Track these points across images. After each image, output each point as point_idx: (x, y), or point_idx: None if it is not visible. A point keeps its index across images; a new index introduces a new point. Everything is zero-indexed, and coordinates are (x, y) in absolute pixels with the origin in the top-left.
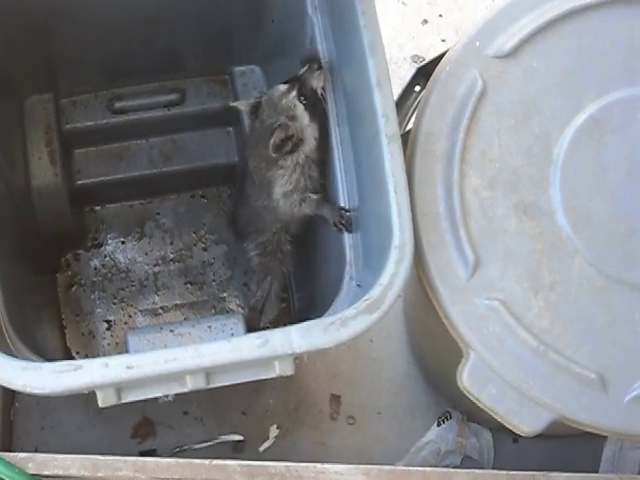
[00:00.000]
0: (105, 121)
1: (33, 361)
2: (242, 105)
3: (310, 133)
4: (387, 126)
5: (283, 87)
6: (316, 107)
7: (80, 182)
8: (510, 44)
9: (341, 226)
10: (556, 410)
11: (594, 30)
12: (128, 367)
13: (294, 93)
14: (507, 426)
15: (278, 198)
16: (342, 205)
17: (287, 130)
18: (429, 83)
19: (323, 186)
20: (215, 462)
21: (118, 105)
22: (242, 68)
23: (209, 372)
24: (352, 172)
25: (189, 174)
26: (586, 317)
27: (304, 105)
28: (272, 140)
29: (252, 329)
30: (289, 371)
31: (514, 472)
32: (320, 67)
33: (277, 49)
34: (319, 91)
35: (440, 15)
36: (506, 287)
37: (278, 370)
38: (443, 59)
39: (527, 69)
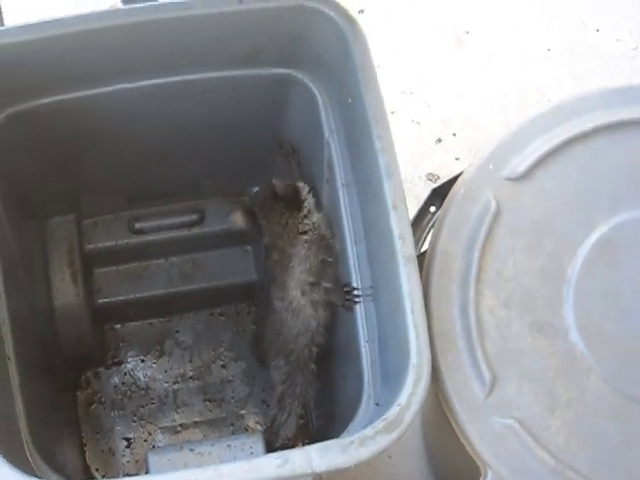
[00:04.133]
0: (125, 241)
1: None
2: (236, 217)
3: (310, 202)
4: (403, 247)
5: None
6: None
7: (101, 301)
8: (522, 167)
9: (347, 302)
10: None
11: (603, 152)
12: None
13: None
14: None
15: (295, 286)
16: (347, 283)
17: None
18: (444, 204)
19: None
20: None
21: (138, 226)
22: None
23: None
24: (369, 298)
25: (208, 292)
26: (602, 435)
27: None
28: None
29: (271, 447)
30: None
31: None
32: (297, 166)
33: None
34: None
35: (454, 134)
36: (523, 405)
37: None
38: (458, 181)
39: (539, 190)
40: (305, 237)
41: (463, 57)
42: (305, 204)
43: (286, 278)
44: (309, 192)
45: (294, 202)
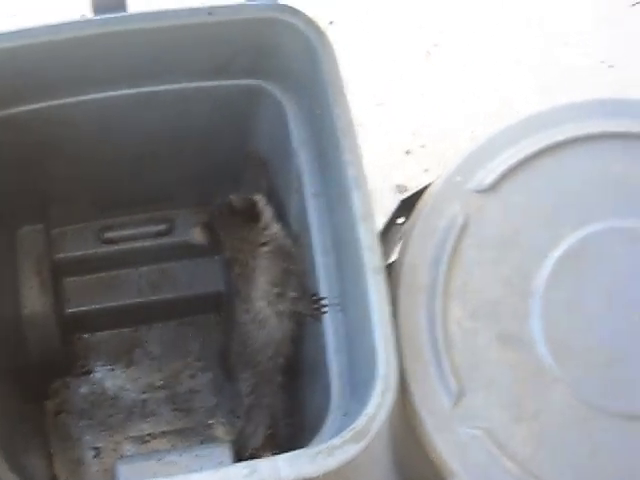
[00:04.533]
0: (95, 251)
1: None
2: (196, 234)
3: (268, 214)
4: (371, 259)
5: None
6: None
7: (70, 310)
8: (489, 179)
9: (315, 312)
10: None
11: (571, 165)
12: None
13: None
14: None
15: (260, 297)
16: (315, 293)
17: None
18: (412, 216)
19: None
20: None
21: (108, 235)
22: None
23: None
24: (337, 309)
25: (176, 302)
26: (568, 445)
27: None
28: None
29: (240, 457)
30: None
31: None
32: (264, 176)
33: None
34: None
35: (422, 146)
36: (489, 416)
37: None
38: (425, 193)
39: (506, 203)
40: (266, 248)
41: (432, 69)
42: (263, 216)
43: (250, 291)
44: (267, 204)
45: (252, 215)
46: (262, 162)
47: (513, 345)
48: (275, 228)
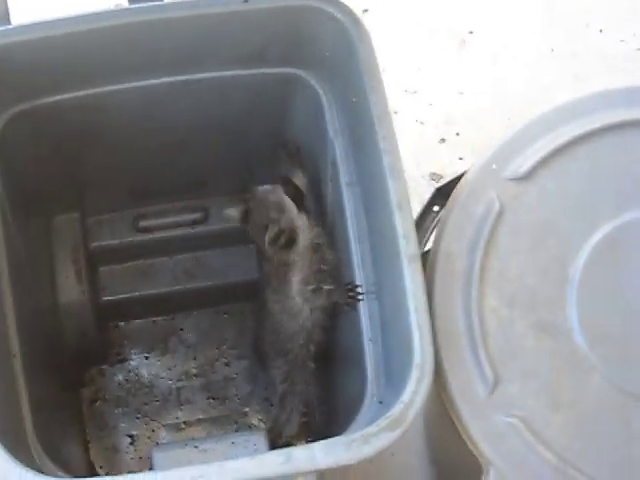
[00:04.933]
0: (130, 239)
1: (59, 477)
2: (232, 212)
3: (302, 222)
4: (407, 247)
5: (268, 187)
6: (303, 201)
7: (105, 299)
8: (525, 167)
9: (350, 300)
10: None
11: (606, 153)
12: None
13: (280, 189)
14: None
15: (295, 294)
16: (350, 282)
17: (279, 223)
18: (448, 204)
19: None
20: None
21: (143, 224)
22: (265, 187)
23: None
24: (373, 295)
25: (212, 291)
26: (605, 434)
27: (291, 198)
28: (266, 237)
29: (275, 444)
30: None
31: None
32: (300, 165)
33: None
34: (302, 187)
35: (457, 134)
36: (525, 404)
37: None
38: (461, 181)
39: (542, 191)
40: (298, 249)
41: (466, 57)
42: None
43: (284, 286)
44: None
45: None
46: (298, 151)
47: (549, 333)
48: (304, 223)
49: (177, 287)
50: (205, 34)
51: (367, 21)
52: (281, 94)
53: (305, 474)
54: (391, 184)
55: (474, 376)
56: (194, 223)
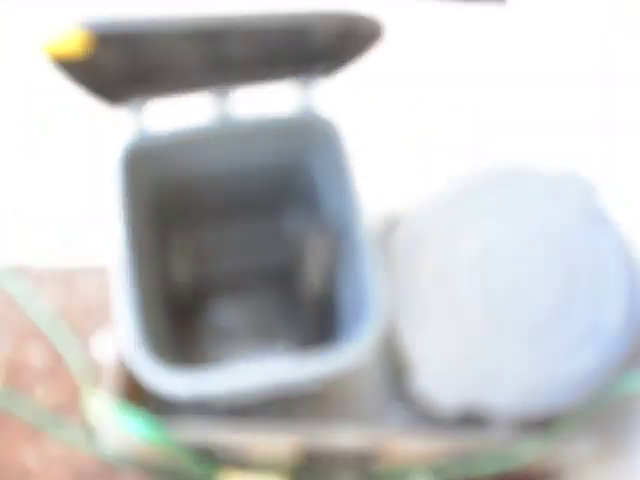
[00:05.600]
0: (216, 242)
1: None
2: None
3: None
4: (369, 244)
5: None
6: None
7: (201, 276)
8: (443, 201)
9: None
10: (464, 401)
11: (487, 194)
12: (226, 386)
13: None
14: (436, 409)
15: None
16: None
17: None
18: (397, 220)
19: None
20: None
21: (224, 234)
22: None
23: (274, 388)
24: (351, 267)
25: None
26: (483, 348)
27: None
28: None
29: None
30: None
31: (442, 435)
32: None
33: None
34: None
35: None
36: (437, 331)
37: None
38: (405, 208)
39: (453, 213)
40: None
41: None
42: None
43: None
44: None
45: None
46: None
47: (451, 290)
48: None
49: (243, 270)
50: (252, 139)
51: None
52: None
53: (320, 377)
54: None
55: (408, 313)
56: (250, 236)
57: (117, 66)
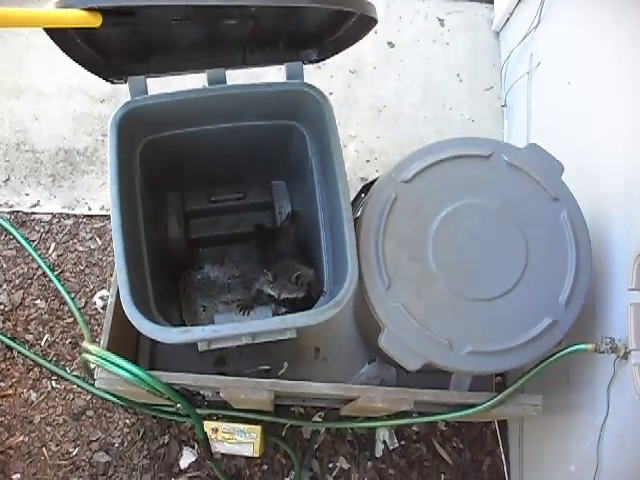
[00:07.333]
0: (206, 206)
1: (167, 326)
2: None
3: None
4: (347, 214)
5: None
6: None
7: (193, 237)
8: (409, 175)
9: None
10: (427, 358)
11: (450, 170)
12: (214, 331)
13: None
14: (402, 365)
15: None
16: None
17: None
18: (369, 193)
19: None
20: (255, 380)
21: (212, 198)
22: (275, 182)
23: (254, 335)
24: (329, 239)
25: (245, 233)
26: (444, 312)
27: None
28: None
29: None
30: (294, 335)
31: (405, 388)
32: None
33: (292, 172)
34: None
35: (375, 158)
36: (404, 297)
37: (289, 334)
38: (375, 182)
39: (418, 188)
40: None
41: (382, 120)
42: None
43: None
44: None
45: None
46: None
47: (417, 260)
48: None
49: (229, 231)
50: (245, 102)
51: (331, 98)
52: (285, 134)
53: (290, 329)
54: (340, 182)
55: (378, 282)
56: (238, 199)
57: (118, 43)
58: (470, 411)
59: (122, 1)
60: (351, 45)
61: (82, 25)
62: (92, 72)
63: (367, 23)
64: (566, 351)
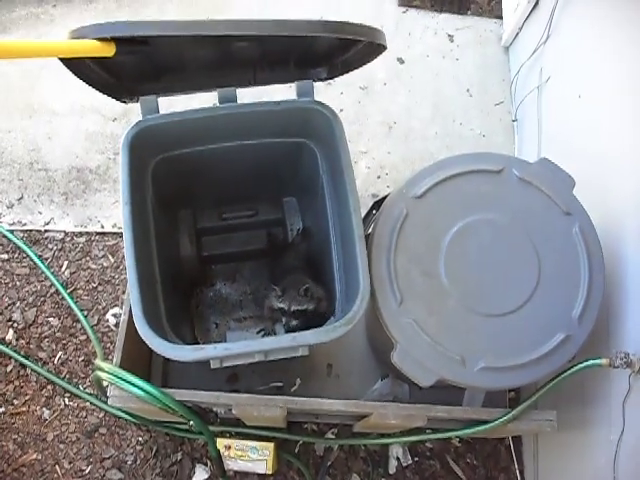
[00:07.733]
0: (217, 224)
1: (179, 344)
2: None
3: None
4: (358, 231)
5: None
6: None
7: (204, 254)
8: (420, 191)
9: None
10: (439, 374)
11: (460, 185)
12: (226, 349)
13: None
14: (415, 381)
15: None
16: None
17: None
18: (380, 209)
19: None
20: (268, 397)
21: (224, 215)
22: (286, 198)
23: (266, 353)
24: (340, 256)
25: (257, 251)
26: (456, 328)
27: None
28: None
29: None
30: (306, 352)
31: (419, 405)
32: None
33: (303, 189)
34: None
35: (386, 174)
36: (416, 313)
37: (301, 352)
38: (387, 198)
39: (429, 204)
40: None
41: (392, 136)
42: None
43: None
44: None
45: None
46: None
47: (428, 276)
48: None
49: (240, 248)
50: (256, 120)
51: (341, 115)
52: (296, 151)
53: (302, 346)
54: (351, 199)
55: (390, 298)
56: (249, 216)
57: (131, 67)
58: (484, 427)
59: (135, 31)
60: (360, 67)
61: (96, 55)
62: (105, 93)
63: (376, 48)
64: (580, 366)
